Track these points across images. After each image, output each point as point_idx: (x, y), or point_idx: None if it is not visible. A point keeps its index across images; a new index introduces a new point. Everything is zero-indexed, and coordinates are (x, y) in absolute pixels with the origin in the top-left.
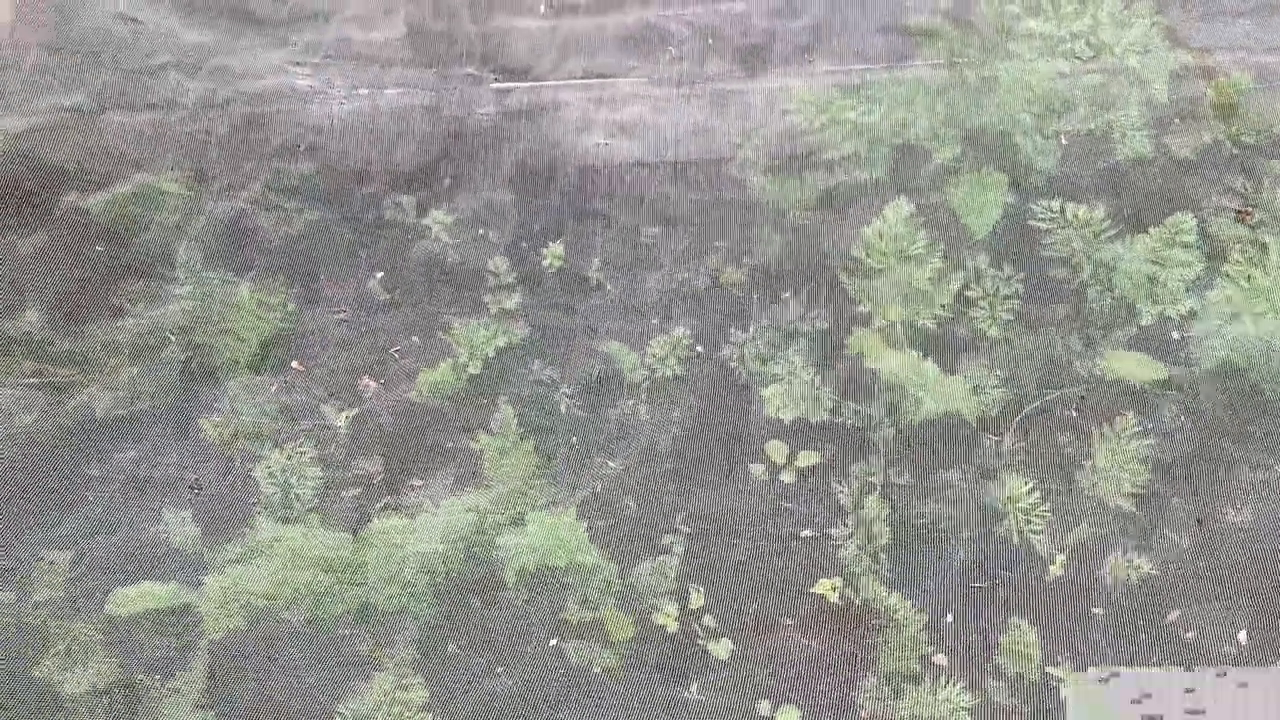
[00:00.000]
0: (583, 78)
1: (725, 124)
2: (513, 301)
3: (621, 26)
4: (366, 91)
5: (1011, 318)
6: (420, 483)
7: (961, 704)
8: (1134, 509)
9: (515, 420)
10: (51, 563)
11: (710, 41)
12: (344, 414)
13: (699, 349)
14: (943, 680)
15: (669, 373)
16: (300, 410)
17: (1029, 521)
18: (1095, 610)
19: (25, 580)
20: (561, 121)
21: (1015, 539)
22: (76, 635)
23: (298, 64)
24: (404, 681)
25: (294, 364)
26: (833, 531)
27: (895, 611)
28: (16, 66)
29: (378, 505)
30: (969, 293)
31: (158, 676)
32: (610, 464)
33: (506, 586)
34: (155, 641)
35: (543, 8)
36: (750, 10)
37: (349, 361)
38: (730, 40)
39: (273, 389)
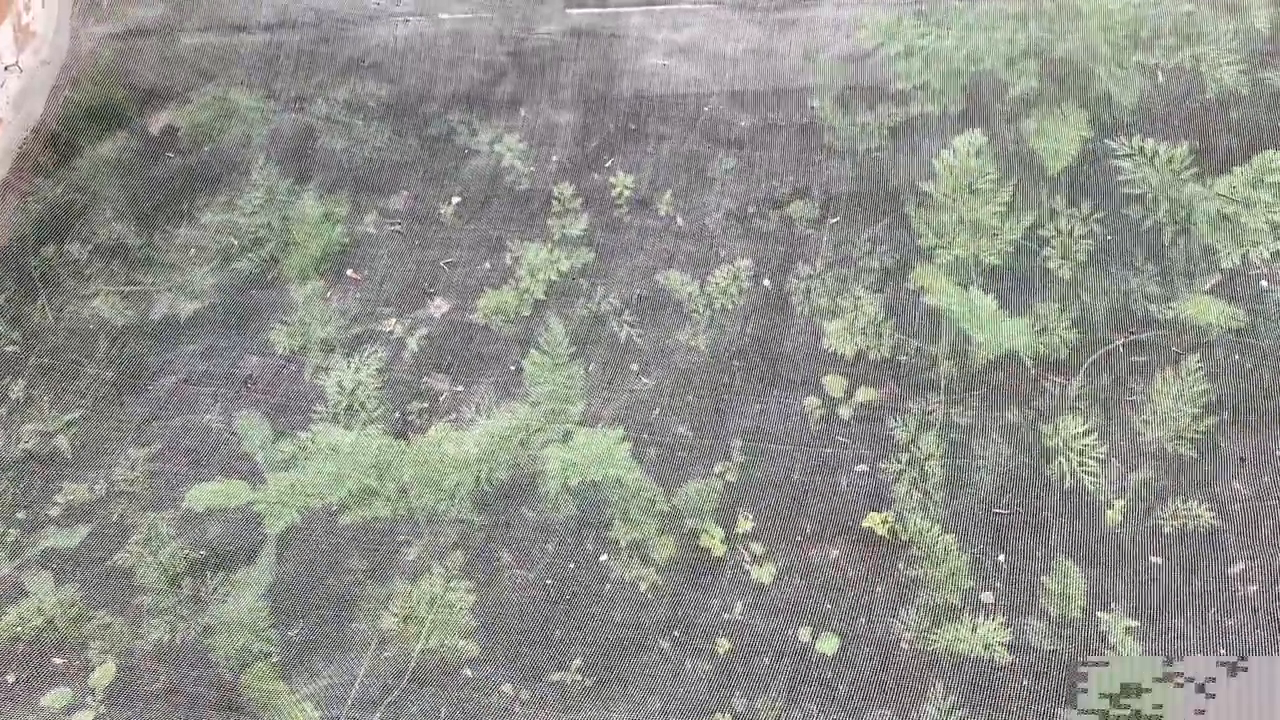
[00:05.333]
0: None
1: (791, 48)
2: (578, 227)
3: None
4: (431, 12)
5: (1084, 258)
6: (474, 396)
7: (998, 639)
8: (1196, 456)
9: (566, 337)
10: (134, 458)
11: None
12: (407, 329)
13: (766, 282)
14: (982, 616)
15: (729, 303)
16: (366, 323)
17: (1082, 464)
18: (1153, 559)
19: (112, 474)
20: (626, 45)
21: (1068, 481)
22: (154, 526)
23: None
24: (451, 584)
25: (349, 272)
26: (886, 467)
27: (940, 546)
28: None
29: (435, 417)
30: (1041, 231)
31: (225, 568)
32: (661, 387)
33: (548, 498)
34: (225, 535)
35: None
36: None
37: (404, 275)
38: None
39: (334, 300)
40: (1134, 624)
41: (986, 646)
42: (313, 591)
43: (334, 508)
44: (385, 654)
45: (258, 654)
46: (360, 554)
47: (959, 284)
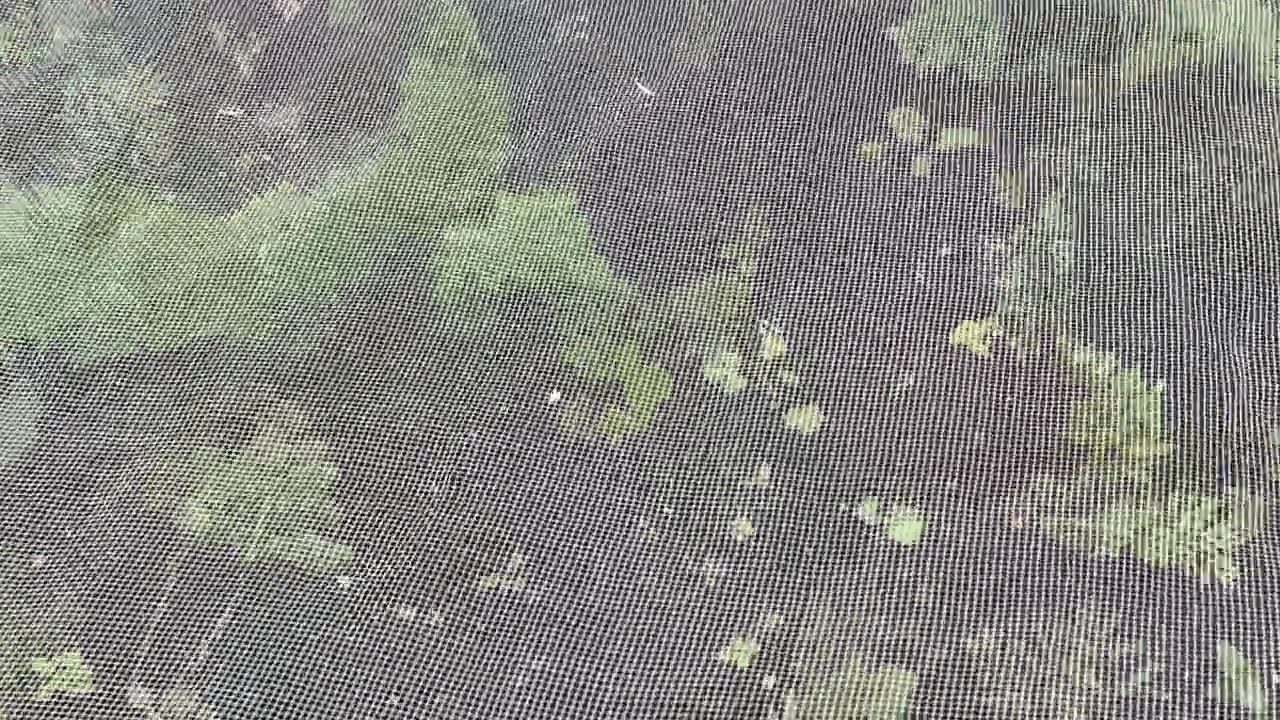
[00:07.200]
0: None
1: None
2: None
3: None
4: None
5: None
6: (323, 137)
7: (1213, 539)
8: None
9: (475, 31)
10: None
11: None
12: (219, 27)
13: None
14: (1175, 493)
15: None
16: (140, 18)
17: None
18: None
19: None
20: None
21: None
22: None
23: None
24: (298, 451)
25: None
26: (987, 247)
27: (1089, 372)
28: None
29: (259, 174)
30: None
31: None
32: (634, 115)
33: (450, 308)
34: None
35: None
36: None
37: None
38: None
39: None
40: None
41: (1200, 554)
42: (58, 466)
43: (92, 327)
44: (198, 564)
45: None
46: (135, 405)
47: None
